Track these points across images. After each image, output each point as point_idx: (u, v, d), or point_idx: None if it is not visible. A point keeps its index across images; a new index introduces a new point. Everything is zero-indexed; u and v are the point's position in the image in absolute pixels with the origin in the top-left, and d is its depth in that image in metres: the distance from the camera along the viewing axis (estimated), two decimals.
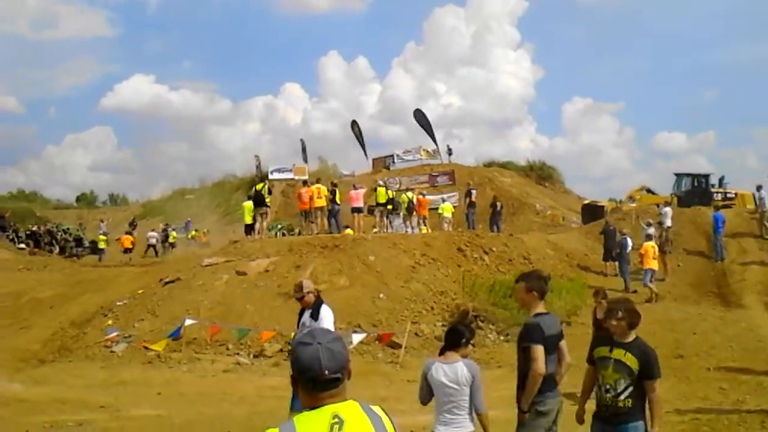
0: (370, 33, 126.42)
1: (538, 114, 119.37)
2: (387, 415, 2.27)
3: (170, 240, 34.55)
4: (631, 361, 4.62)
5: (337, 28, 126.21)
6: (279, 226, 34.63)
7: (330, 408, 2.15)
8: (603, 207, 29.47)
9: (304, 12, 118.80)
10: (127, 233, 33.92)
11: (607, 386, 4.68)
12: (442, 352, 4.87)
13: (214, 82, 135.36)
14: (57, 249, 33.31)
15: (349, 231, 20.96)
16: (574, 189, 45.03)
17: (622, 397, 4.61)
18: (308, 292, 7.04)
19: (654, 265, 18.35)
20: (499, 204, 24.90)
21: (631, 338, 4.73)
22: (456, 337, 4.88)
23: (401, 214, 23.71)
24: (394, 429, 2.25)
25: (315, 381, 2.15)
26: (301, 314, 7.21)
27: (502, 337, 14.39)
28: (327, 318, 6.89)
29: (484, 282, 16.58)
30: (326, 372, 2.14)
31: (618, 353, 4.68)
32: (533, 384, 4.72)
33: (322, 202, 20.52)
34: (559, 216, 34.47)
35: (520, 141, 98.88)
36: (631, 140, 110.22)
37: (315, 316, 6.93)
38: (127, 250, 31.87)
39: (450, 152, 42.25)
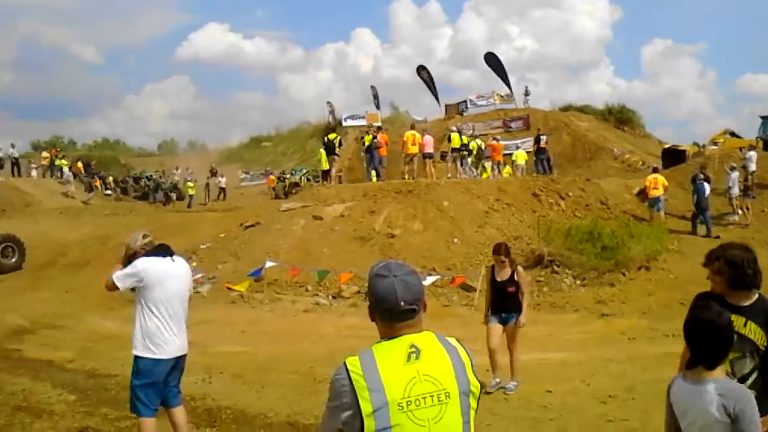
0: None
1: (615, 56, 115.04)
2: (462, 346, 2.31)
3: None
4: (756, 332, 3.29)
5: None
6: (304, 171, 34.88)
7: (407, 338, 2.22)
8: (684, 151, 28.42)
9: None
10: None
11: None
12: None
13: (286, 30, 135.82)
14: (154, 195, 34.51)
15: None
16: (653, 133, 43.50)
17: (745, 384, 3.22)
18: (140, 247, 5.29)
19: (656, 193, 18.53)
20: (543, 137, 24.61)
21: (751, 300, 3.34)
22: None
23: (470, 161, 23.66)
24: (470, 360, 2.28)
25: (391, 311, 2.22)
26: None
27: (578, 282, 14.30)
28: None
29: (559, 227, 16.44)
30: (402, 303, 2.20)
31: (736, 322, 3.13)
32: None
33: (415, 149, 20.59)
34: (638, 161, 33.49)
35: (596, 85, 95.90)
36: (713, 83, 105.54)
37: None
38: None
39: (527, 94, 41.32)
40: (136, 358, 5.08)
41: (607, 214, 18.04)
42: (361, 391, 2.11)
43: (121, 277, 5.08)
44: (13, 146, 37.41)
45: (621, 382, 7.79)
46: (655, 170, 20.22)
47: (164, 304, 5.09)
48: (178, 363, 5.25)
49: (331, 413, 2.20)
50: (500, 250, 7.53)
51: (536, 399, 7.22)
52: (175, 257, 5.31)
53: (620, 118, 41.68)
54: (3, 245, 19.64)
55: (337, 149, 21.48)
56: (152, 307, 5.06)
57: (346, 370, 2.16)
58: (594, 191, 19.50)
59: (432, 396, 2.15)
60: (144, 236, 5.37)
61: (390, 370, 2.15)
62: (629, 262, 14.52)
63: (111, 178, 37.28)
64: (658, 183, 18.71)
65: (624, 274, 14.32)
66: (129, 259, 5.25)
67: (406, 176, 20.52)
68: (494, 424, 6.27)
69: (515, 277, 7.49)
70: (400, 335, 2.23)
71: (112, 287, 5.14)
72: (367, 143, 21.57)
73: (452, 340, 2.31)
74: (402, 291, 2.21)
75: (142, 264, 5.10)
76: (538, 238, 16.18)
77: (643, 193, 19.34)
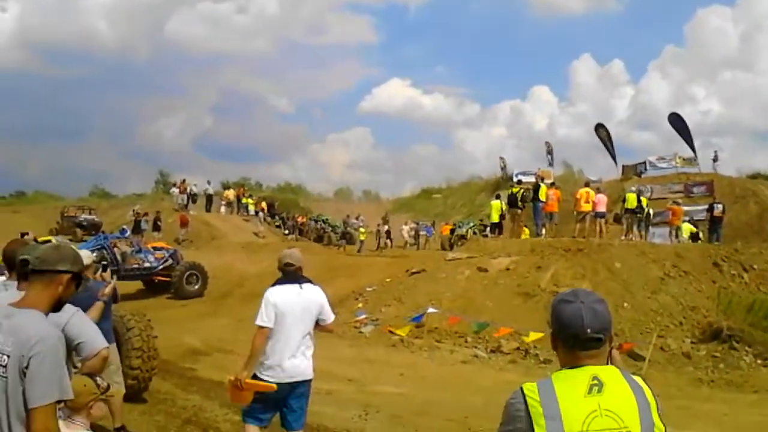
0: (627, 35, 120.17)
1: None
2: (649, 386, 2.19)
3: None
4: None
5: (592, 30, 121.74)
6: (471, 224, 34.64)
7: (589, 369, 2.13)
8: None
9: (557, 15, 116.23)
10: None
11: None
12: None
13: (464, 87, 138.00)
14: (329, 238, 36.17)
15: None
16: None
17: None
18: (279, 267, 5.54)
19: None
20: (719, 206, 23.16)
21: None
22: None
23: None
24: (656, 401, 2.16)
25: (576, 338, 2.14)
26: None
27: (759, 361, 13.16)
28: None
29: (741, 300, 15.27)
30: (588, 330, 2.12)
31: None
32: None
33: (588, 207, 20.14)
34: None
35: None
36: None
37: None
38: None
39: (716, 159, 38.70)
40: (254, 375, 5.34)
41: None
42: (537, 417, 2.05)
43: (259, 317, 5.30)
44: (209, 183, 41.22)
45: None
46: None
47: (284, 330, 5.25)
48: (299, 388, 5.38)
49: None
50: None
51: None
52: (304, 285, 5.46)
53: None
54: (188, 273, 21.36)
55: (519, 203, 21.42)
56: (272, 332, 5.26)
57: (523, 394, 2.11)
58: None
59: None
60: (288, 256, 5.55)
61: (569, 400, 2.07)
62: None
63: (301, 219, 39.44)
64: None
65: None
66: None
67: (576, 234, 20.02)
68: None
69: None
70: (583, 365, 2.15)
71: (259, 334, 5.27)
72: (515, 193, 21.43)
73: (638, 379, 2.20)
74: (589, 318, 2.14)
75: (270, 294, 5.37)
76: (717, 311, 15.11)
77: None
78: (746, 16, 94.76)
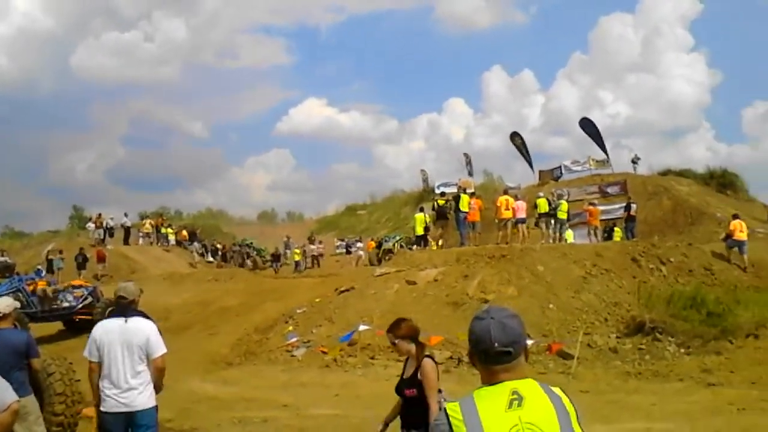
0: (534, 45, 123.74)
1: (715, 120, 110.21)
2: (567, 396, 2.23)
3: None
4: None
5: (500, 42, 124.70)
6: (398, 238, 35.10)
7: (509, 384, 2.16)
8: None
9: (466, 29, 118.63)
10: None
11: None
12: None
13: (381, 103, 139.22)
14: (254, 261, 35.67)
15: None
16: (759, 197, 41.46)
17: None
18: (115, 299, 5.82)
19: (742, 236, 19.04)
20: (634, 206, 24.34)
21: None
22: None
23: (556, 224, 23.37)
24: (575, 411, 2.20)
25: (486, 353, 2.17)
26: None
27: (682, 350, 13.65)
28: None
29: (661, 293, 15.82)
30: (496, 344, 2.16)
31: None
32: None
33: (509, 214, 20.52)
34: None
35: (695, 149, 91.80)
36: None
37: None
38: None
39: (636, 161, 39.87)
40: None
41: (712, 280, 17.25)
42: None
43: (86, 351, 5.48)
44: (126, 215, 40.08)
45: None
46: (735, 217, 20.17)
47: (107, 362, 5.38)
48: (134, 419, 5.40)
49: None
50: (392, 326, 5.05)
51: None
52: (131, 318, 5.51)
53: (722, 182, 39.93)
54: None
55: (449, 214, 21.68)
56: (101, 364, 5.40)
57: (446, 416, 2.13)
58: (697, 257, 18.76)
59: None
60: (122, 289, 5.66)
61: (491, 416, 2.10)
62: (736, 330, 13.76)
63: (223, 244, 38.88)
64: (743, 227, 19.21)
65: (731, 342, 13.57)
66: None
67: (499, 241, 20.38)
68: None
69: (418, 375, 4.76)
70: (501, 381, 2.18)
71: (89, 368, 5.47)
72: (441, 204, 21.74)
73: (557, 390, 2.24)
74: (497, 332, 2.18)
75: (94, 329, 5.55)
76: (639, 305, 15.61)
77: (729, 238, 19.28)
78: (646, 21, 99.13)
